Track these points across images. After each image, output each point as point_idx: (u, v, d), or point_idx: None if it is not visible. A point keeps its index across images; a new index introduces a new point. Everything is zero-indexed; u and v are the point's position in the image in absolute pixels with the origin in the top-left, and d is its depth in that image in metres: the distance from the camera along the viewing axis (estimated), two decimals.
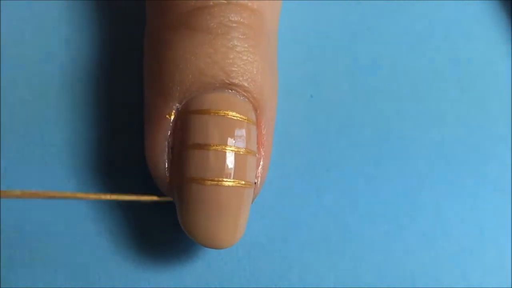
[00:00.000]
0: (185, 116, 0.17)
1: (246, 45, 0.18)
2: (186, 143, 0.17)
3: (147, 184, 0.18)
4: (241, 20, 0.18)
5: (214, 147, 0.17)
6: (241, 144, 0.17)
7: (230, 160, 0.17)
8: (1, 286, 0.18)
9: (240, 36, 0.18)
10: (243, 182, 0.17)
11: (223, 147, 0.17)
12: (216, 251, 0.19)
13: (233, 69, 0.17)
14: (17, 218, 0.19)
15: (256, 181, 0.18)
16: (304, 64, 0.21)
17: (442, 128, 0.20)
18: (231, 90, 0.17)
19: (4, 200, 0.19)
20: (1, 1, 0.21)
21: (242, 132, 0.17)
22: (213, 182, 0.17)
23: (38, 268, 0.18)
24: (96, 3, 0.21)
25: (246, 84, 0.17)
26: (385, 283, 0.19)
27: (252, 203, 0.18)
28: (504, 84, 0.21)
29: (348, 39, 0.21)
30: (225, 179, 0.17)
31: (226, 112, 0.17)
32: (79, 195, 0.16)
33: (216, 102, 0.17)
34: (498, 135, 0.20)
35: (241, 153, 0.17)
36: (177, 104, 0.17)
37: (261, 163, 0.18)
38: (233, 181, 0.17)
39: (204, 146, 0.17)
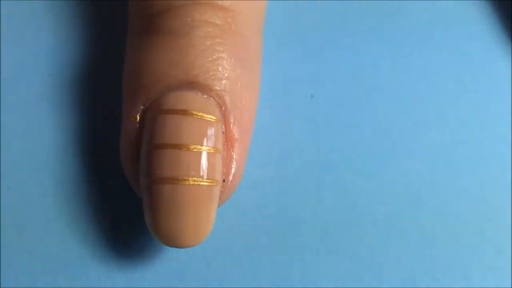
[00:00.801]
0: (149, 118, 0.17)
1: (209, 43, 0.18)
2: (149, 144, 0.17)
3: None
4: (205, 18, 0.18)
5: (175, 147, 0.17)
6: (204, 142, 0.17)
7: (192, 159, 0.17)
8: (1, 286, 0.18)
9: (203, 35, 0.18)
10: (208, 180, 0.17)
11: (185, 146, 0.17)
12: (216, 251, 0.19)
13: (194, 68, 0.17)
14: (17, 218, 0.19)
15: (225, 178, 0.18)
16: (304, 64, 0.21)
17: (442, 128, 0.20)
18: (193, 88, 0.17)
19: (4, 200, 0.19)
20: (1, 1, 0.21)
21: (204, 130, 0.17)
22: (177, 182, 0.17)
23: (38, 268, 0.18)
24: (96, 3, 0.21)
25: (208, 82, 0.17)
26: (385, 283, 0.19)
27: (223, 203, 0.18)
28: (504, 84, 0.21)
29: (348, 39, 0.21)
30: (190, 178, 0.17)
31: (185, 111, 0.17)
32: None
33: (175, 102, 0.17)
34: (498, 135, 0.20)
35: (204, 151, 0.17)
36: (142, 106, 0.18)
37: (234, 160, 0.18)
38: (198, 180, 0.17)
39: (165, 146, 0.17)
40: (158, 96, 0.17)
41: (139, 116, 0.18)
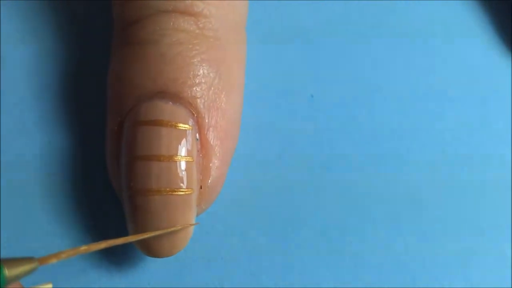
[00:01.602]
0: (125, 129, 0.17)
1: (178, 50, 0.17)
2: (125, 156, 0.17)
3: None
4: (173, 26, 0.17)
5: (145, 158, 0.17)
6: (174, 152, 0.17)
7: (162, 169, 0.17)
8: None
9: (171, 43, 0.17)
10: (180, 190, 0.17)
11: (155, 157, 0.17)
12: (216, 251, 0.19)
13: (162, 76, 0.17)
14: (17, 218, 0.19)
15: (202, 185, 0.17)
16: (304, 64, 0.21)
17: (442, 127, 0.20)
18: (162, 98, 0.17)
19: (4, 200, 0.19)
20: (1, 1, 0.21)
21: (174, 139, 0.17)
22: (147, 193, 0.17)
23: (38, 268, 0.18)
24: (96, 3, 0.21)
25: (177, 90, 0.17)
26: (385, 283, 0.19)
27: (206, 208, 0.18)
28: (504, 84, 0.21)
29: (348, 39, 0.21)
30: (158, 189, 0.17)
31: (155, 121, 0.17)
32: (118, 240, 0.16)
33: (145, 113, 0.17)
34: (498, 135, 0.20)
35: (174, 161, 0.17)
36: (119, 118, 0.18)
37: (212, 165, 0.18)
38: (167, 190, 0.17)
39: (137, 158, 0.17)
40: (132, 107, 0.17)
41: (117, 127, 0.18)
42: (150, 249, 0.17)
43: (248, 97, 0.20)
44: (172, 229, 0.17)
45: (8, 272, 0.13)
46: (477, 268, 0.19)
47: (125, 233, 0.19)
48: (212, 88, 0.18)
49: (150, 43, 0.17)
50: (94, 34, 0.21)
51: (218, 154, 0.18)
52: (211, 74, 0.18)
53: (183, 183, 0.17)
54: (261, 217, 0.19)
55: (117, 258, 0.19)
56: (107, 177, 0.19)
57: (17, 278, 0.13)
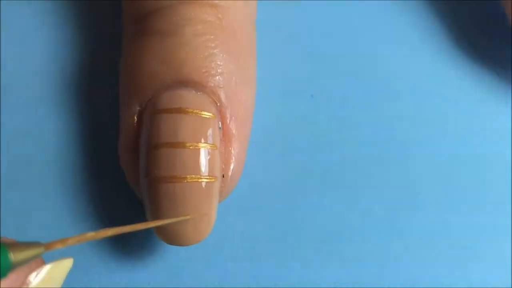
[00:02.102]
0: (145, 118, 0.18)
1: (200, 40, 0.18)
2: (147, 144, 0.17)
3: None
4: (194, 16, 0.18)
5: (171, 145, 0.17)
6: (200, 139, 0.17)
7: (189, 157, 0.17)
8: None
9: (193, 32, 0.18)
10: (207, 177, 0.17)
11: (181, 144, 0.17)
12: (216, 251, 0.19)
13: (185, 65, 0.17)
14: (17, 218, 0.19)
15: (224, 174, 0.18)
16: (304, 64, 0.21)
17: (442, 128, 0.20)
18: (186, 86, 0.17)
19: (4, 200, 0.19)
20: (1, 1, 0.21)
21: (199, 127, 0.17)
22: (176, 180, 0.17)
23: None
24: (96, 3, 0.21)
25: (200, 79, 0.17)
26: (385, 283, 0.19)
27: (223, 198, 0.18)
28: (504, 84, 0.21)
29: (348, 39, 0.21)
30: (184, 176, 0.17)
31: (179, 109, 0.17)
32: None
33: (169, 101, 0.17)
34: (498, 135, 0.20)
35: (200, 148, 0.17)
36: (138, 107, 0.18)
37: (232, 156, 0.18)
38: (196, 177, 0.17)
39: (160, 145, 0.17)
40: (153, 96, 0.18)
41: (136, 117, 0.18)
42: (175, 237, 0.17)
43: None
44: (181, 218, 0.17)
45: (14, 256, 0.13)
46: (477, 268, 0.19)
47: (133, 231, 0.19)
48: (233, 79, 0.18)
49: (171, 33, 0.18)
50: (95, 34, 0.21)
51: (237, 144, 0.18)
52: (231, 65, 0.18)
53: (207, 170, 0.17)
54: (261, 217, 0.19)
55: (117, 258, 0.19)
56: (107, 176, 0.19)
57: (23, 262, 0.13)
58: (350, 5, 0.21)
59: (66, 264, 0.15)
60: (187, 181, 0.17)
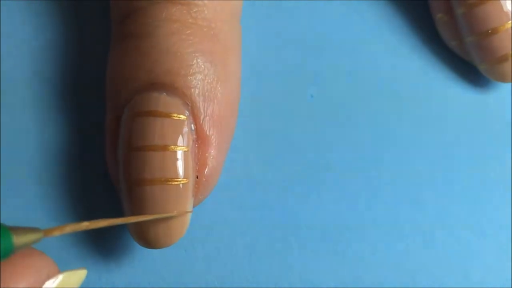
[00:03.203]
0: (122, 121, 0.18)
1: (172, 41, 0.17)
2: (123, 148, 0.17)
3: None
4: (167, 16, 0.17)
5: (139, 149, 0.17)
6: (168, 142, 0.17)
7: (156, 160, 0.17)
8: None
9: (165, 33, 0.17)
10: (174, 180, 0.17)
11: (149, 147, 0.17)
12: (217, 251, 0.19)
13: (155, 68, 0.17)
14: (17, 218, 0.19)
15: (198, 175, 0.17)
16: (304, 64, 0.21)
17: (442, 128, 0.20)
18: (158, 89, 0.17)
19: (4, 200, 0.19)
20: (1, 1, 0.21)
21: (168, 129, 0.17)
22: (140, 183, 0.17)
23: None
24: (96, 3, 0.21)
25: (171, 81, 0.17)
26: (385, 283, 0.19)
27: (203, 199, 0.18)
28: (504, 84, 0.21)
29: (348, 39, 0.21)
30: (151, 179, 0.17)
31: (148, 112, 0.17)
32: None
33: (139, 104, 0.17)
34: (498, 135, 0.20)
35: (168, 151, 0.17)
36: (116, 111, 0.18)
37: (208, 155, 0.18)
38: (161, 180, 0.17)
39: (132, 149, 0.17)
40: (127, 100, 0.18)
41: (114, 121, 0.18)
42: (147, 239, 0.17)
43: (248, 97, 0.20)
44: (169, 214, 0.17)
45: (16, 239, 0.14)
46: (477, 268, 0.19)
47: (126, 229, 0.19)
48: (207, 78, 0.18)
49: (144, 35, 0.18)
50: (95, 33, 0.21)
51: (214, 144, 0.18)
52: (205, 64, 0.18)
53: (178, 172, 0.17)
54: (261, 217, 0.19)
55: (117, 258, 0.19)
56: (107, 176, 0.19)
57: (24, 246, 0.14)
58: (350, 5, 0.21)
59: (80, 274, 0.16)
60: (156, 184, 0.17)
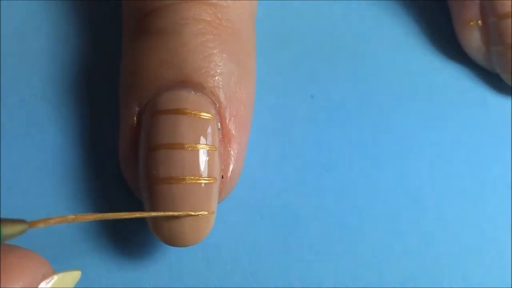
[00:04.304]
0: (145, 119, 0.18)
1: (200, 40, 0.18)
2: (146, 145, 0.17)
3: None
4: (195, 15, 0.18)
5: (171, 146, 0.17)
6: (199, 140, 0.17)
7: (188, 158, 0.17)
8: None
9: (193, 32, 0.17)
10: (206, 178, 0.17)
11: (180, 145, 0.17)
12: (216, 251, 0.19)
13: (185, 66, 0.17)
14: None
15: (223, 175, 0.18)
16: (304, 64, 0.21)
17: (442, 128, 0.20)
18: (185, 87, 0.17)
19: (4, 200, 0.19)
20: (1, 1, 0.21)
21: (199, 128, 0.17)
22: (173, 181, 0.17)
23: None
24: (96, 3, 0.21)
25: (201, 80, 0.17)
26: (385, 283, 0.19)
27: (224, 198, 0.18)
28: (504, 84, 0.21)
29: (348, 39, 0.21)
30: (183, 177, 0.17)
31: (178, 110, 0.17)
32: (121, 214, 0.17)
33: (168, 102, 0.17)
34: (498, 135, 0.20)
35: (200, 149, 0.17)
36: (137, 108, 0.18)
37: (232, 155, 0.18)
38: (191, 179, 0.17)
39: (159, 147, 0.17)
40: (152, 97, 0.17)
41: (136, 118, 0.18)
42: (174, 238, 0.17)
43: None
44: (176, 213, 0.17)
45: (3, 230, 0.14)
46: (477, 268, 0.19)
47: (129, 229, 0.19)
48: (233, 79, 0.18)
49: (171, 32, 0.18)
50: (94, 34, 0.21)
51: (237, 144, 0.18)
52: (231, 65, 0.18)
53: (206, 171, 0.17)
54: (261, 217, 0.19)
55: (117, 258, 0.19)
56: (107, 176, 0.19)
57: (10, 237, 0.14)
58: (350, 5, 0.21)
59: (74, 275, 0.16)
60: (185, 182, 0.17)
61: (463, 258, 0.19)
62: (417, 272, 0.19)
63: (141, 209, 0.18)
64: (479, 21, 0.20)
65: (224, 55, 0.18)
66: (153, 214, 0.17)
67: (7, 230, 0.14)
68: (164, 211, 0.17)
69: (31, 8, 0.21)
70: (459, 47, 0.21)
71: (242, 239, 0.19)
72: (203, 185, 0.17)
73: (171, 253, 0.19)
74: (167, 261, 0.19)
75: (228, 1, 0.18)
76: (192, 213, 0.17)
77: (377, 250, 0.19)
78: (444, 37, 0.21)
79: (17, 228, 0.14)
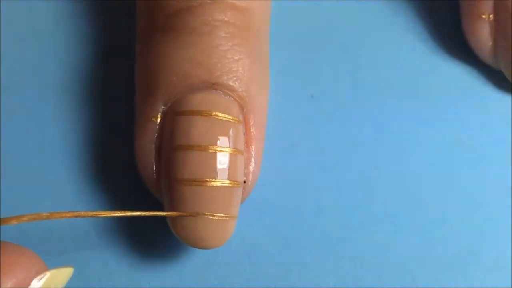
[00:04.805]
0: (171, 118, 0.17)
1: (230, 44, 0.18)
2: (172, 145, 0.17)
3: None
4: (225, 18, 0.18)
5: (199, 148, 0.17)
6: (227, 144, 0.17)
7: (216, 161, 0.17)
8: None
9: (224, 35, 0.17)
10: (231, 182, 0.17)
11: (209, 147, 0.17)
12: (216, 252, 0.19)
13: (217, 68, 0.17)
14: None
15: (246, 179, 0.18)
16: (304, 64, 0.21)
17: (442, 128, 0.20)
18: (216, 90, 0.17)
19: (4, 200, 0.19)
20: (1, 1, 0.21)
21: (228, 131, 0.17)
22: (201, 183, 0.17)
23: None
24: (96, 3, 0.21)
25: (230, 83, 0.17)
26: (385, 283, 0.19)
27: (242, 202, 0.18)
28: (504, 84, 0.21)
29: (348, 39, 0.21)
30: (212, 180, 0.17)
31: (209, 112, 0.17)
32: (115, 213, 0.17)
33: (199, 103, 0.17)
34: (498, 135, 0.20)
35: (227, 152, 0.17)
36: (162, 107, 0.18)
37: (252, 161, 0.18)
38: (221, 181, 0.17)
39: (189, 147, 0.17)
40: (180, 96, 0.17)
41: (160, 117, 0.18)
42: (199, 241, 0.17)
43: None
44: (174, 213, 0.17)
45: None
46: (477, 268, 0.19)
47: (129, 229, 0.19)
48: (256, 85, 0.18)
49: (203, 33, 0.17)
50: (95, 34, 0.21)
51: (258, 149, 0.18)
52: (256, 71, 0.18)
53: (233, 175, 0.17)
54: (261, 217, 0.19)
55: (117, 258, 0.19)
56: (107, 176, 0.19)
57: None
58: (350, 5, 0.21)
59: (66, 272, 0.16)
60: (211, 185, 0.17)
61: (463, 258, 0.19)
62: (417, 272, 0.19)
63: (140, 208, 0.18)
64: (491, 15, 0.20)
65: (250, 61, 0.18)
66: (129, 213, 0.17)
67: None
68: (184, 211, 0.17)
69: (31, 8, 0.21)
70: (459, 47, 0.21)
71: (242, 239, 0.19)
72: (228, 188, 0.17)
73: (171, 253, 0.19)
74: (167, 261, 0.19)
75: (255, 7, 0.18)
76: (210, 216, 0.17)
77: (377, 250, 0.19)
78: (444, 37, 0.21)
79: None
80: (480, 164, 0.20)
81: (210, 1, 0.18)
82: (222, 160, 0.17)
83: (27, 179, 0.19)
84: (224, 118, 0.17)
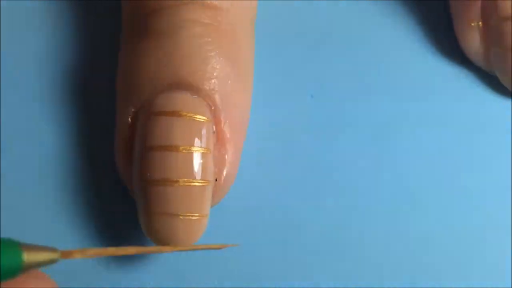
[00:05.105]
0: (141, 119, 0.18)
1: (197, 43, 0.18)
2: (142, 146, 0.17)
3: None
4: (194, 18, 0.18)
5: (166, 148, 0.17)
6: (194, 143, 0.17)
7: (183, 160, 0.17)
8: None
9: (191, 35, 0.17)
10: (200, 181, 0.17)
11: (175, 147, 0.17)
12: (216, 251, 0.19)
13: (181, 69, 0.17)
14: (17, 219, 0.19)
15: (217, 178, 0.18)
16: (304, 64, 0.21)
17: (442, 128, 0.20)
18: (182, 90, 0.17)
19: (4, 200, 0.19)
20: (1, 1, 0.21)
21: (195, 130, 0.17)
22: (165, 183, 0.17)
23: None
24: (96, 3, 0.21)
25: (197, 82, 0.17)
26: (385, 283, 0.19)
27: (217, 202, 0.18)
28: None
29: (348, 39, 0.21)
30: (177, 180, 0.17)
31: (175, 112, 0.17)
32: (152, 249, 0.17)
33: (165, 104, 0.17)
34: (498, 134, 0.20)
35: (194, 152, 0.17)
36: (133, 109, 0.18)
37: (227, 159, 0.18)
38: (185, 181, 0.17)
39: (157, 148, 0.17)
40: (148, 98, 0.18)
41: (131, 119, 0.18)
42: (166, 241, 0.17)
43: None
44: (207, 246, 0.17)
45: (27, 257, 0.13)
46: (477, 268, 0.19)
47: (129, 229, 0.19)
48: (229, 82, 0.18)
49: (169, 34, 0.18)
50: (94, 34, 0.21)
51: (232, 148, 0.18)
52: (227, 69, 0.18)
53: (200, 174, 0.17)
54: (261, 217, 0.19)
55: (117, 258, 0.19)
56: (107, 176, 0.19)
57: (35, 265, 0.13)
58: (350, 5, 0.21)
59: None
60: (179, 185, 0.17)
61: (463, 258, 0.19)
62: (417, 272, 0.19)
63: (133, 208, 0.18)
64: (480, 22, 0.20)
65: (221, 59, 0.18)
66: (194, 247, 0.17)
67: (32, 257, 0.13)
68: (156, 212, 0.17)
69: (31, 9, 0.21)
70: (459, 47, 0.21)
71: (242, 239, 0.19)
72: (197, 187, 0.17)
73: (171, 253, 0.19)
74: (167, 261, 0.19)
75: (228, 5, 0.18)
76: (182, 216, 0.17)
77: (377, 250, 0.19)
78: (444, 37, 0.21)
79: (44, 256, 0.13)
80: (480, 164, 0.20)
81: (179, 1, 0.18)
82: (189, 159, 0.17)
83: (27, 179, 0.19)
84: (190, 118, 0.17)
